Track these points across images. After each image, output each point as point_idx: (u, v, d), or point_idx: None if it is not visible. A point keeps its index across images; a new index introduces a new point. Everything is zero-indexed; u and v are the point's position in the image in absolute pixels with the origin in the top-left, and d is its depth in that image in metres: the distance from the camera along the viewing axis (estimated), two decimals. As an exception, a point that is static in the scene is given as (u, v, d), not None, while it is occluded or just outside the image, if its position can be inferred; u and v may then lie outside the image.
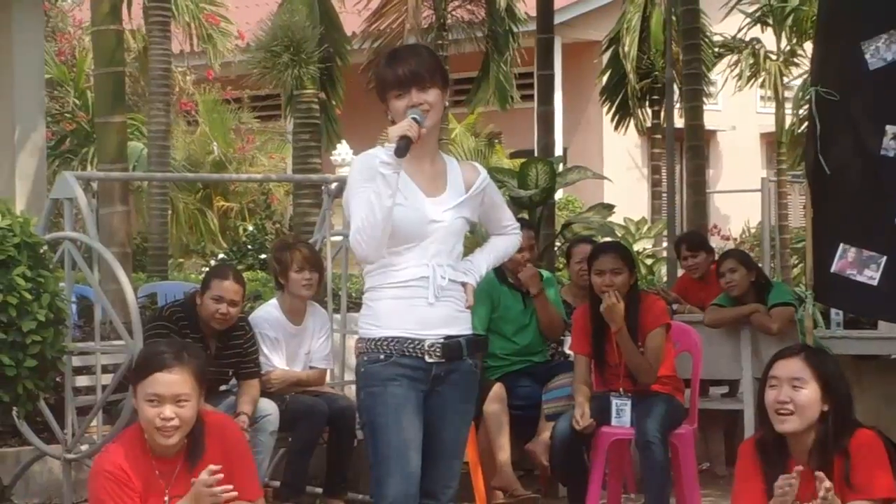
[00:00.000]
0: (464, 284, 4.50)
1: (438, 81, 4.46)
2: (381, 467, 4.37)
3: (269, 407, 6.69)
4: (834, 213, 5.19)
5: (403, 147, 4.30)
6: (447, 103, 4.70)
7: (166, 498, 4.29)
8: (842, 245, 5.11)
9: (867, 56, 5.01)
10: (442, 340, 4.41)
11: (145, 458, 4.31)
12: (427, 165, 4.52)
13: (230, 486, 4.13)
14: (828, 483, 4.09)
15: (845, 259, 5.09)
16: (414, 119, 4.35)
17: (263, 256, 15.11)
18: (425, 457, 4.42)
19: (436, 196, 4.48)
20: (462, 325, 4.48)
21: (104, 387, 6.75)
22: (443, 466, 4.49)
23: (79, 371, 6.98)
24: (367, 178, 4.37)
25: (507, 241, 4.75)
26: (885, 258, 5.01)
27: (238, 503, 4.30)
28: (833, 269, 5.12)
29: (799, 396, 4.29)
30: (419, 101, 4.40)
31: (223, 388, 6.85)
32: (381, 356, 4.41)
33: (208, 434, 4.38)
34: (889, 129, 4.99)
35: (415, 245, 4.41)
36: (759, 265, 9.38)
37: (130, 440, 4.34)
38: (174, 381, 4.29)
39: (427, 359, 4.40)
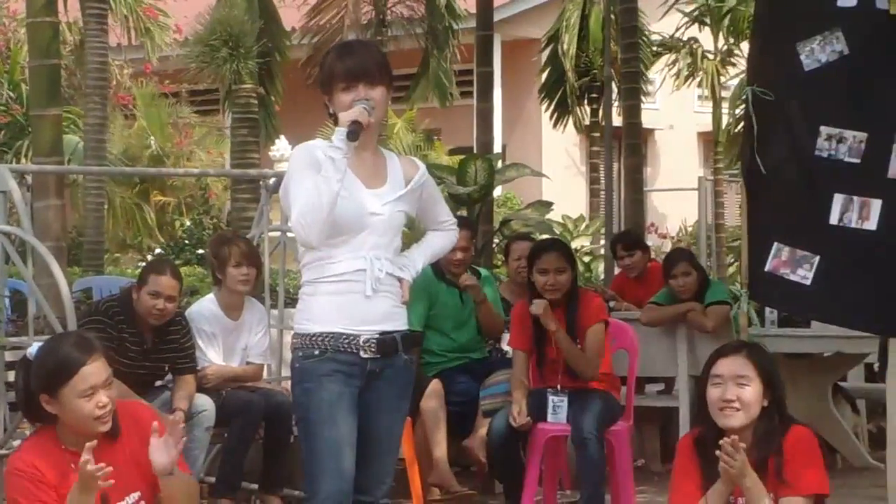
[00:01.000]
0: (400, 280, 4.50)
1: (385, 80, 4.50)
2: (315, 464, 4.38)
3: (204, 402, 6.67)
4: (768, 212, 5.23)
5: (355, 132, 4.32)
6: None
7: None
8: (776, 244, 5.15)
9: (802, 57, 5.05)
10: (377, 336, 4.41)
11: (59, 453, 4.25)
12: (368, 159, 4.53)
13: (108, 469, 4.03)
14: (730, 440, 4.13)
15: (779, 258, 5.13)
16: (364, 108, 4.39)
17: (201, 251, 15.05)
18: (360, 453, 4.42)
19: (375, 189, 4.48)
20: (398, 321, 4.49)
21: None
22: (377, 462, 4.50)
23: (11, 366, 6.91)
24: (306, 167, 4.38)
25: (443, 237, 4.76)
26: (818, 258, 5.05)
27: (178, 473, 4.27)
28: (767, 267, 5.15)
29: (744, 393, 4.35)
30: (366, 97, 4.43)
31: (159, 383, 6.81)
32: (316, 352, 4.40)
33: (121, 418, 4.31)
34: (823, 130, 5.04)
35: (352, 237, 4.41)
36: (698, 265, 9.43)
37: (42, 437, 4.27)
38: (98, 367, 4.22)
39: (362, 354, 4.40)
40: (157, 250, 16.95)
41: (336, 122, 4.47)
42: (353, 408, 4.40)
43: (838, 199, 5.01)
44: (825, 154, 5.03)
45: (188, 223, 17.97)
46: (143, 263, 11.43)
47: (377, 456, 4.50)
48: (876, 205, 4.96)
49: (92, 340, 4.33)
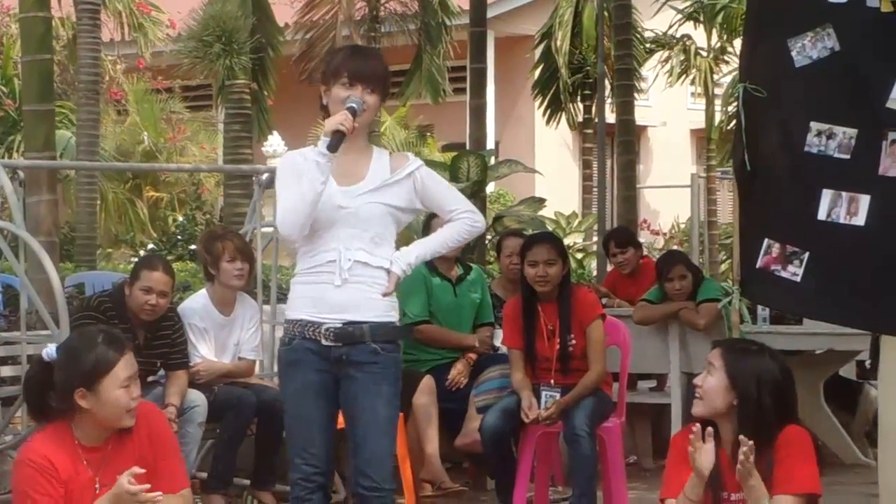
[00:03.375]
0: (387, 272, 4.67)
1: (383, 91, 4.75)
2: (289, 450, 4.74)
3: (197, 398, 6.66)
4: (760, 208, 5.23)
5: (336, 143, 4.56)
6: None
7: (97, 486, 4.26)
8: (767, 240, 5.15)
9: (793, 53, 5.06)
10: (339, 325, 4.61)
11: (72, 448, 4.28)
12: (350, 157, 4.71)
13: (158, 494, 4.11)
14: (745, 448, 4.14)
15: (770, 255, 5.14)
16: (352, 108, 4.60)
17: (193, 247, 15.03)
18: (351, 440, 4.66)
19: (349, 186, 4.68)
20: (373, 311, 4.64)
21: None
22: (368, 446, 4.64)
23: (3, 361, 6.92)
24: (290, 173, 4.66)
25: (451, 227, 4.86)
26: (807, 254, 5.06)
27: (167, 495, 4.28)
28: (758, 264, 5.16)
29: (706, 382, 4.38)
30: (361, 98, 4.65)
31: (151, 378, 6.80)
32: (287, 339, 4.71)
33: (135, 419, 4.36)
34: (813, 125, 5.04)
35: (325, 231, 4.64)
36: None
37: (56, 430, 4.30)
38: (132, 360, 4.34)
39: (323, 342, 4.63)
40: (150, 246, 16.94)
41: (326, 114, 4.71)
42: (324, 393, 4.65)
43: (827, 195, 5.02)
44: (815, 150, 5.04)
45: (181, 219, 17.96)
46: (136, 259, 11.42)
47: (366, 440, 4.64)
48: (864, 200, 4.97)
49: (121, 335, 4.43)
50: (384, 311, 4.68)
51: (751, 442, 4.16)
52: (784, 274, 5.10)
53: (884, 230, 4.94)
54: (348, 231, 4.63)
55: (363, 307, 4.63)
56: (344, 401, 4.67)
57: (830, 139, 5.01)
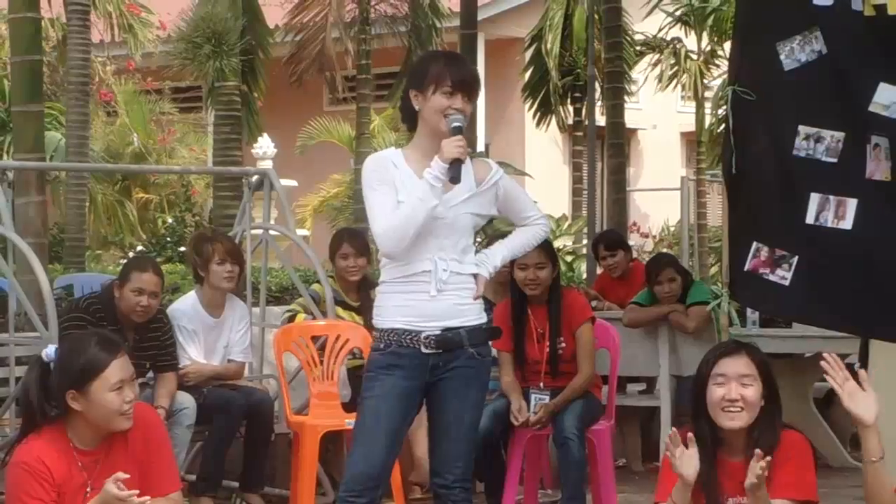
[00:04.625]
0: (475, 276, 4.76)
1: (475, 98, 4.77)
2: (352, 446, 4.73)
3: (186, 400, 6.66)
4: (748, 211, 5.24)
5: (458, 173, 4.60)
6: (372, 97, 4.88)
7: (88, 489, 4.25)
8: (755, 244, 5.16)
9: (782, 57, 5.07)
10: (438, 332, 4.66)
11: (67, 451, 4.27)
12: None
13: (146, 499, 4.09)
14: (763, 463, 4.12)
15: (758, 258, 5.15)
16: (458, 127, 4.62)
17: (182, 249, 15.01)
18: (431, 439, 4.78)
19: (445, 195, 4.67)
20: (466, 317, 4.72)
21: (18, 379, 6.66)
22: (445, 447, 4.74)
23: (-6, 363, 6.90)
24: (379, 179, 4.68)
25: (525, 232, 4.98)
26: (796, 258, 5.07)
27: (156, 498, 4.27)
28: (746, 267, 5.16)
29: (748, 393, 4.34)
30: (462, 108, 4.66)
31: (140, 380, 6.79)
32: (381, 345, 4.71)
33: (132, 422, 4.35)
34: (802, 129, 5.05)
35: (419, 241, 4.64)
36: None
37: (51, 433, 4.29)
38: (125, 363, 4.33)
39: (423, 350, 4.67)
40: (139, 247, 16.91)
41: (409, 118, 4.75)
42: (406, 400, 4.69)
43: (815, 199, 5.03)
44: (803, 153, 5.05)
45: (170, 220, 17.93)
46: (125, 261, 11.39)
47: (444, 441, 4.74)
48: (852, 204, 4.97)
49: (115, 338, 4.43)
50: (477, 314, 4.77)
51: (767, 458, 4.14)
52: (772, 277, 5.10)
53: (870, 234, 4.95)
54: (442, 241, 4.67)
55: (458, 314, 4.70)
56: (432, 402, 4.76)
57: (818, 143, 5.02)
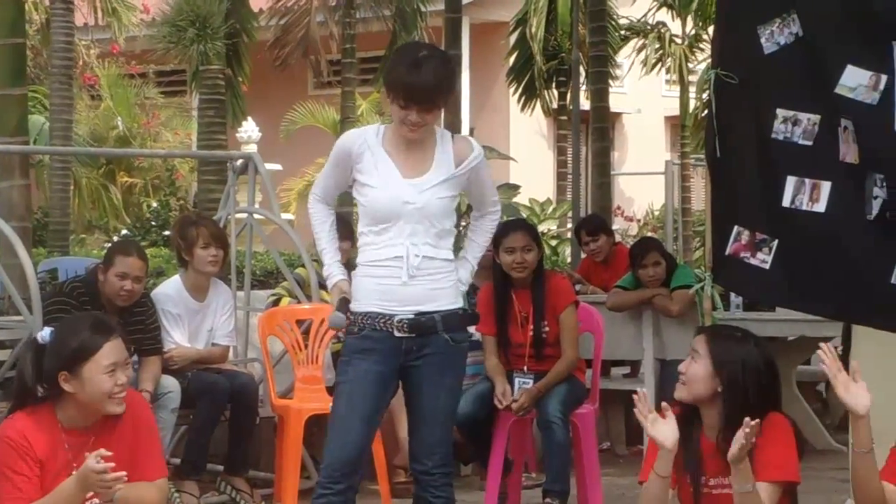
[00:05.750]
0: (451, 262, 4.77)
1: (442, 101, 4.67)
2: (328, 433, 4.74)
3: (170, 384, 6.66)
4: (730, 195, 5.24)
5: (343, 309, 4.71)
6: (356, 81, 4.87)
7: (74, 472, 4.25)
8: (736, 228, 5.17)
9: (762, 40, 5.07)
10: (411, 316, 4.65)
11: (54, 431, 4.27)
12: (416, 146, 4.70)
13: (122, 473, 4.09)
14: (748, 430, 4.14)
15: (739, 242, 5.15)
16: (336, 321, 4.71)
17: (167, 233, 14.99)
18: (409, 424, 4.80)
19: (414, 178, 4.66)
20: (440, 301, 4.70)
21: (2, 362, 6.66)
22: (423, 433, 4.75)
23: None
24: (337, 160, 4.76)
25: (484, 229, 5.02)
26: (776, 241, 5.07)
27: (141, 482, 4.28)
28: (728, 251, 5.17)
29: (690, 368, 4.39)
30: (416, 122, 4.60)
31: (124, 364, 6.79)
32: (356, 329, 4.70)
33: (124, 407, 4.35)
34: (780, 112, 5.05)
35: (391, 225, 4.65)
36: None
37: (38, 411, 4.29)
38: (119, 346, 4.32)
39: (396, 333, 4.65)
40: (124, 231, 16.87)
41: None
42: (380, 384, 4.69)
43: (791, 182, 5.03)
44: (780, 136, 5.05)
45: (154, 204, 17.90)
46: (109, 244, 11.38)
47: (423, 427, 4.75)
48: (826, 187, 4.98)
49: (110, 321, 4.44)
50: (452, 299, 4.75)
51: (755, 421, 4.15)
52: (753, 261, 5.11)
53: (842, 217, 4.94)
54: (414, 227, 4.64)
55: (432, 298, 4.68)
56: (407, 388, 4.76)
57: (796, 125, 5.03)
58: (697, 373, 4.38)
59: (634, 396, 4.29)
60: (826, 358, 4.24)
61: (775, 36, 5.05)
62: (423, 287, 4.66)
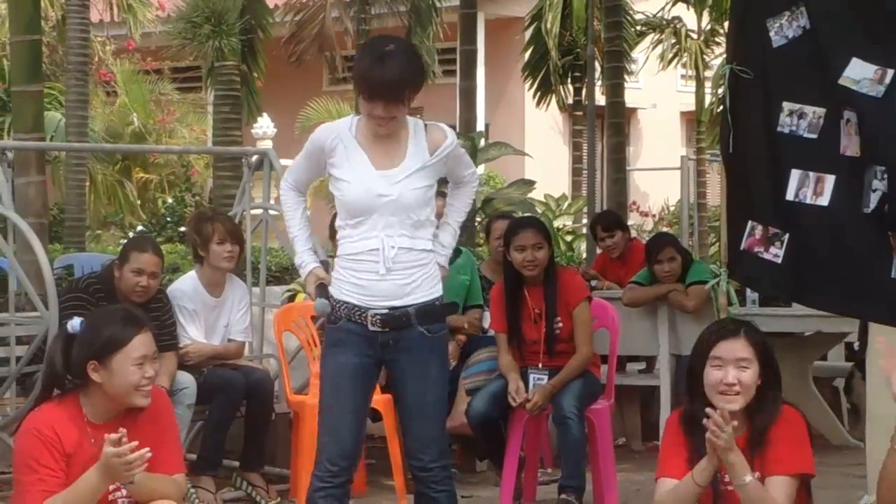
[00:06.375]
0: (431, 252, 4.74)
1: (409, 95, 4.61)
2: (320, 430, 4.74)
3: (186, 380, 6.67)
4: (744, 190, 5.23)
5: (319, 295, 4.71)
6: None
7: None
8: (750, 222, 5.15)
9: (771, 34, 5.05)
10: (385, 311, 4.63)
11: (81, 422, 4.29)
12: (388, 137, 4.68)
13: (145, 450, 4.11)
14: (729, 428, 4.14)
15: (753, 236, 5.13)
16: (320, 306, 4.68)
17: (183, 229, 15.02)
18: (401, 421, 4.81)
19: (387, 169, 4.64)
20: (414, 296, 4.67)
21: (18, 358, 6.68)
22: (415, 428, 4.74)
23: (-4, 342, 6.91)
24: (309, 152, 4.76)
25: (464, 195, 4.95)
26: (787, 235, 5.06)
27: (161, 475, 4.30)
28: (742, 246, 5.16)
29: (744, 377, 4.34)
30: (383, 115, 4.58)
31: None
32: (333, 318, 4.72)
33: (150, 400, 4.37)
34: (786, 105, 5.03)
35: (366, 218, 4.64)
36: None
37: (66, 402, 4.31)
38: (149, 339, 4.35)
39: (370, 327, 4.65)
40: (139, 227, 16.92)
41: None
42: (362, 376, 4.70)
43: (795, 175, 5.00)
44: (786, 130, 5.03)
45: (170, 200, 17.94)
46: (125, 241, 11.40)
47: (413, 422, 4.74)
48: (830, 180, 4.95)
49: (140, 315, 4.46)
50: (427, 290, 4.71)
51: (721, 412, 4.17)
52: (766, 256, 5.09)
53: (844, 210, 4.92)
54: (389, 219, 4.61)
55: (407, 293, 4.66)
56: (393, 383, 4.78)
57: (801, 119, 5.00)
58: (752, 378, 4.35)
59: (713, 426, 4.20)
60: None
61: (784, 29, 5.02)
62: (398, 282, 4.64)
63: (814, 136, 4.97)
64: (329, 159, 4.71)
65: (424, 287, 4.70)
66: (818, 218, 4.95)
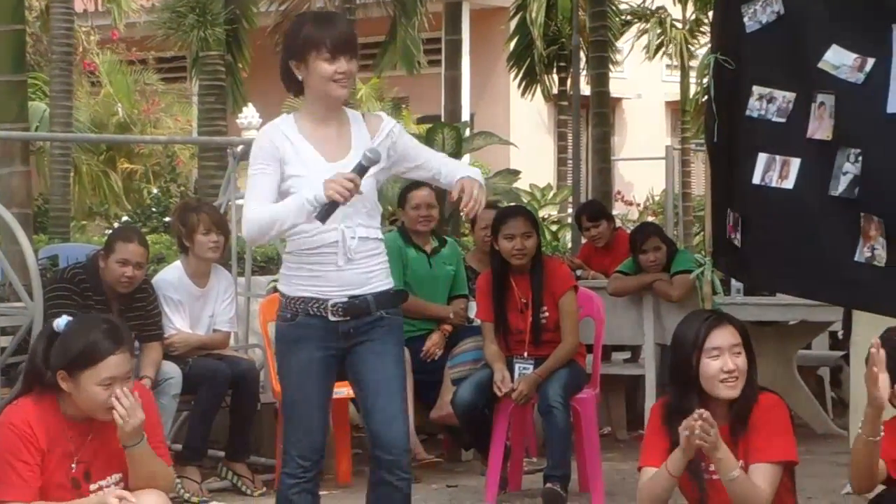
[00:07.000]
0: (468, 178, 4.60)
1: (358, 54, 4.61)
2: (286, 425, 4.68)
3: (171, 370, 6.67)
4: (725, 179, 5.24)
5: (327, 214, 4.44)
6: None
7: (73, 464, 4.25)
8: (728, 210, 5.17)
9: (745, 19, 5.06)
10: (345, 300, 4.58)
11: (57, 420, 4.27)
12: (333, 129, 4.64)
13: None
14: (701, 415, 4.16)
15: (729, 223, 5.15)
16: (363, 166, 4.44)
17: (168, 219, 15.01)
18: (365, 404, 4.66)
19: (338, 161, 4.58)
20: (372, 284, 4.63)
21: (3, 349, 6.67)
22: (378, 405, 4.63)
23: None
24: (266, 158, 4.58)
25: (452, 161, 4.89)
26: (740, 218, 5.07)
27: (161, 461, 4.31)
28: (726, 234, 5.18)
29: (740, 362, 4.38)
30: (347, 71, 4.53)
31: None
32: (288, 315, 4.64)
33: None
34: (755, 89, 5.04)
35: None
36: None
37: (43, 399, 4.28)
38: (123, 360, 4.27)
39: (330, 318, 4.59)
40: (124, 218, 16.90)
41: (298, 88, 4.60)
42: (325, 369, 4.63)
43: (762, 159, 5.00)
44: (755, 114, 5.03)
45: (155, 191, 17.92)
46: (110, 231, 11.39)
47: (378, 398, 4.63)
48: (795, 163, 4.95)
49: (122, 331, 4.35)
50: (384, 279, 4.68)
51: (706, 412, 4.19)
52: (736, 241, 5.11)
53: (808, 194, 4.92)
54: (347, 210, 4.53)
55: (366, 282, 4.62)
56: (351, 368, 4.67)
57: (770, 103, 5.00)
58: (744, 363, 4.38)
59: (699, 422, 4.22)
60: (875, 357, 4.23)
61: (758, 14, 5.03)
62: (357, 271, 4.60)
63: (782, 119, 4.97)
64: (281, 157, 4.61)
65: (381, 276, 4.67)
66: (782, 201, 4.95)
